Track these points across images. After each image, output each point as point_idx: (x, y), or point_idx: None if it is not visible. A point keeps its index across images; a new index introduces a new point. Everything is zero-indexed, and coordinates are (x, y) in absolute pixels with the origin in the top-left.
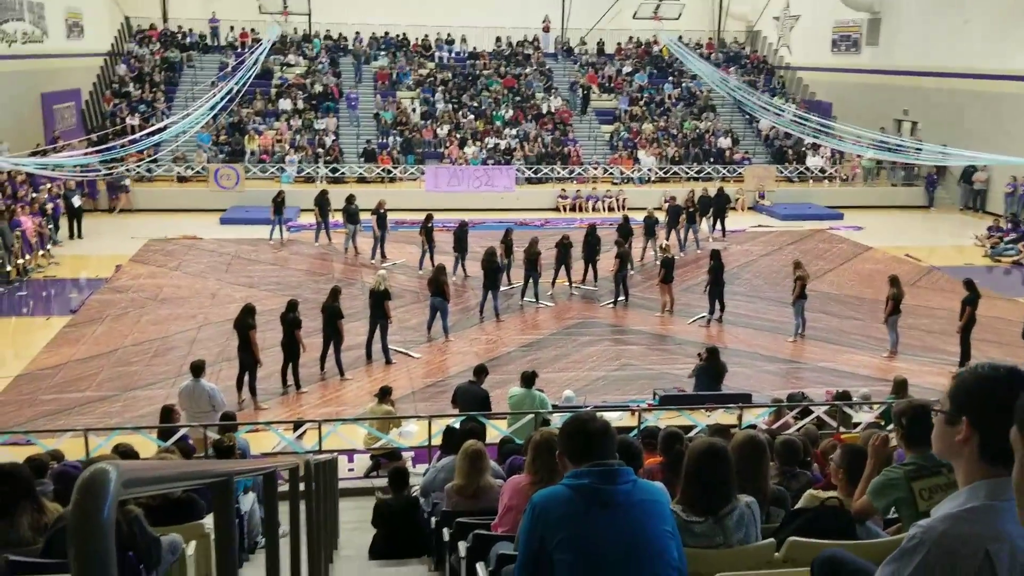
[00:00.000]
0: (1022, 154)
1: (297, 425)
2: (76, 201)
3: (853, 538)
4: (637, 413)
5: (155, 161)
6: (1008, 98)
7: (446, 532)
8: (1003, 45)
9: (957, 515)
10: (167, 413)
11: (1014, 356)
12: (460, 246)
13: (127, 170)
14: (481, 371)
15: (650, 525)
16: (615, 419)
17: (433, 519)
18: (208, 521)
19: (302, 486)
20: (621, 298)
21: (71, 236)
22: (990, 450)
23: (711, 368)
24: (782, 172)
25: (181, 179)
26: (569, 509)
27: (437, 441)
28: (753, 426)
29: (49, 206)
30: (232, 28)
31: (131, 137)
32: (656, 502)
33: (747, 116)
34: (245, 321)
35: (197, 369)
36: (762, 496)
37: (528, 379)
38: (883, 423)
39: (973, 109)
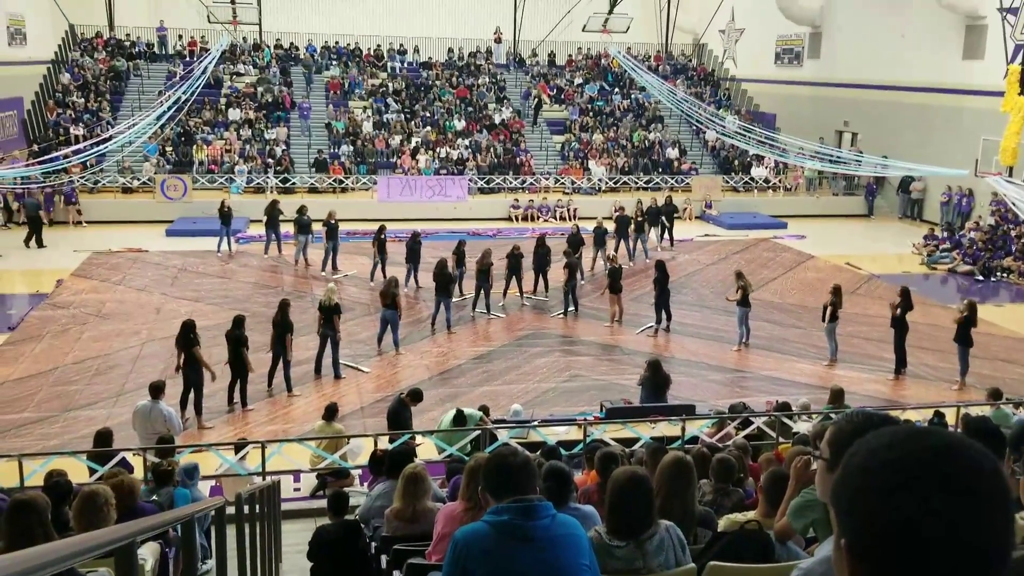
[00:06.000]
0: (956, 165)
1: (239, 447)
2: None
3: (772, 560)
4: (583, 427)
5: (101, 170)
6: (942, 110)
7: (384, 559)
8: (937, 59)
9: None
10: (101, 437)
11: (948, 362)
12: (412, 257)
13: (70, 181)
14: (416, 396)
15: (568, 559)
16: (561, 433)
17: (373, 544)
18: (143, 551)
19: (241, 508)
20: (571, 308)
21: (27, 245)
22: None
23: (653, 379)
24: (728, 182)
25: (126, 190)
26: (490, 545)
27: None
28: (695, 438)
29: None
30: (180, 37)
31: (74, 147)
32: (574, 535)
33: (694, 127)
34: (187, 338)
35: (156, 390)
36: (689, 518)
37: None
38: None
39: (910, 121)
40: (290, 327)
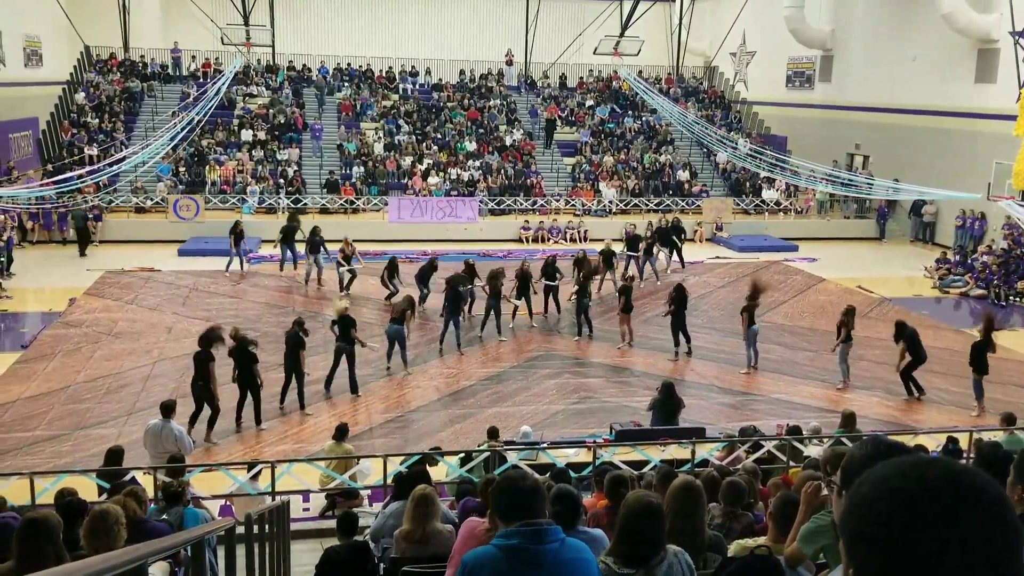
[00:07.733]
0: (969, 188)
1: (251, 466)
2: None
3: None
4: (592, 449)
5: (115, 190)
6: (955, 134)
7: None
8: (950, 83)
9: None
10: (112, 456)
11: (961, 387)
12: (423, 279)
13: (85, 201)
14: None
15: None
16: (571, 455)
17: (382, 565)
18: (153, 570)
19: (251, 528)
20: (585, 330)
21: (83, 254)
22: None
23: (666, 402)
24: (739, 204)
25: (139, 210)
26: (498, 569)
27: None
28: (705, 461)
29: (4, 236)
30: (194, 58)
31: (89, 168)
32: (583, 560)
33: (705, 150)
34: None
35: (167, 409)
36: (699, 542)
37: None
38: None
39: (922, 144)
40: (302, 343)
